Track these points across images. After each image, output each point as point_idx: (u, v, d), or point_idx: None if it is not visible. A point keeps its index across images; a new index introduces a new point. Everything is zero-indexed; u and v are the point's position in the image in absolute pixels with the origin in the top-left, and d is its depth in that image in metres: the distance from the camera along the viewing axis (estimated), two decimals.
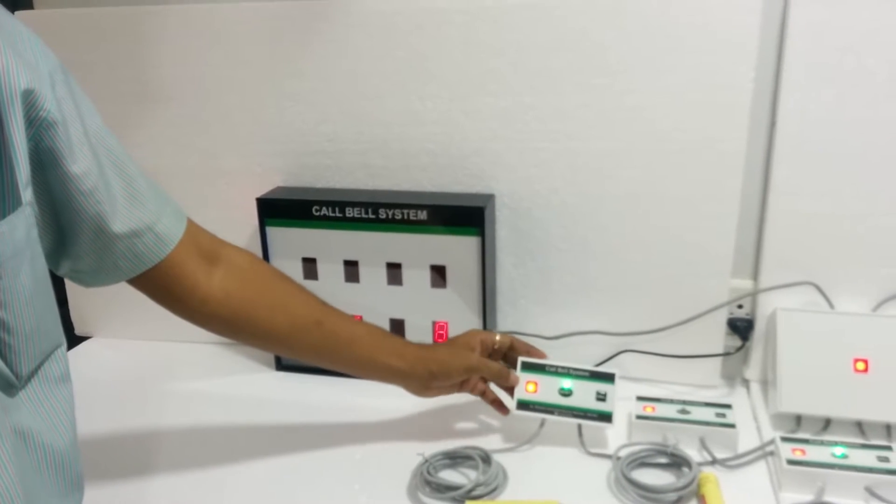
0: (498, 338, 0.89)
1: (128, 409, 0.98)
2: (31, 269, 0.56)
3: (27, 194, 0.55)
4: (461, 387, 0.87)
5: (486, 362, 0.86)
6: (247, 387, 1.03)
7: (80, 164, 0.60)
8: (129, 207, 0.66)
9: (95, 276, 0.69)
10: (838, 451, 0.78)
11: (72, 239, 0.64)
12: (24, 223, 0.55)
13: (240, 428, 0.93)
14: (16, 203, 0.54)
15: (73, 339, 1.17)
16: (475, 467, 0.80)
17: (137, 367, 1.10)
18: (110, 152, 0.65)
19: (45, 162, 0.58)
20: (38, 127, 0.56)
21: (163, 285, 0.71)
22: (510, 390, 0.88)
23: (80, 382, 1.01)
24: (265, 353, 1.08)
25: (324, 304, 0.81)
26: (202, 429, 0.93)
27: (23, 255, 0.55)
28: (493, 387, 0.89)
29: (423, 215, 0.95)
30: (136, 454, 0.88)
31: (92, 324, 1.18)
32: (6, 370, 0.55)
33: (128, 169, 0.67)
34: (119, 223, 0.65)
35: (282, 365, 1.06)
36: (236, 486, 0.82)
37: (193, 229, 0.74)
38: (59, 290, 1.14)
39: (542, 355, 0.90)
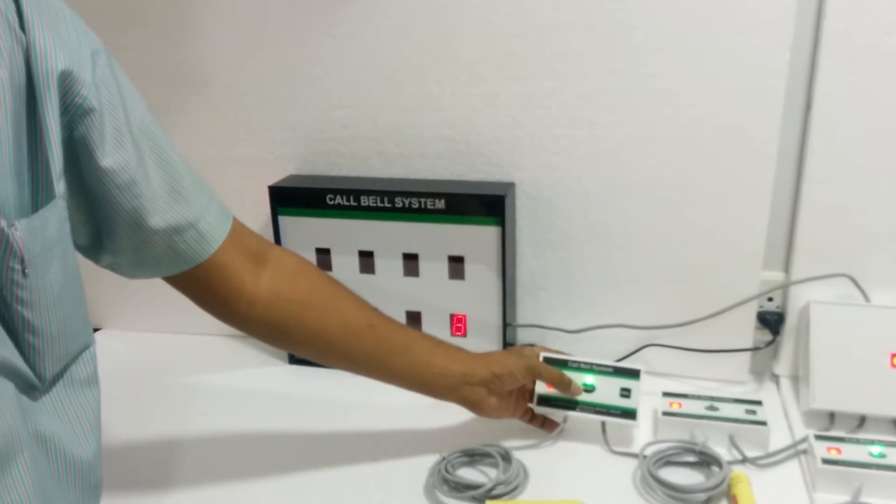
0: (542, 355, 0.86)
1: (137, 402, 0.96)
2: (62, 267, 0.53)
3: (60, 186, 0.53)
4: (515, 407, 0.83)
5: (547, 366, 0.82)
6: (259, 380, 1.00)
7: (115, 155, 0.57)
8: (170, 203, 0.63)
9: (136, 270, 0.66)
10: (875, 449, 0.75)
11: (109, 233, 0.61)
12: (57, 217, 0.52)
13: (252, 423, 0.90)
14: (49, 196, 0.52)
15: None
16: (495, 465, 0.77)
17: (147, 360, 1.08)
18: (154, 143, 0.62)
19: (80, 152, 0.56)
20: (73, 114, 0.54)
21: (208, 286, 0.68)
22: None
23: None
24: None
25: (375, 308, 0.77)
26: (212, 424, 0.90)
27: (53, 251, 0.52)
28: None
29: (440, 204, 0.92)
30: (146, 449, 0.86)
31: (101, 315, 1.16)
32: (28, 372, 0.52)
33: (172, 163, 0.63)
34: (158, 218, 0.62)
35: (295, 358, 1.04)
36: (248, 482, 0.79)
37: (239, 228, 0.70)
38: None
39: (578, 392, 0.83)
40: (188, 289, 0.69)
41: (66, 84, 0.52)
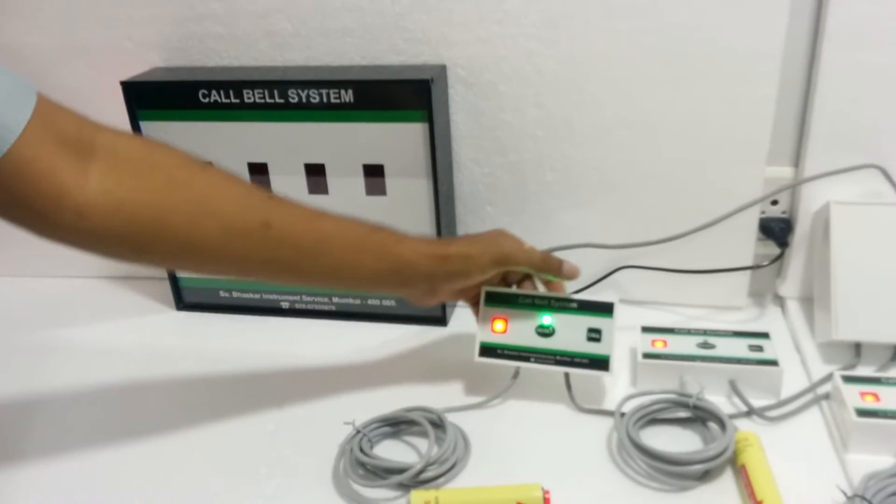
0: (526, 246, 0.65)
1: None
2: None
3: None
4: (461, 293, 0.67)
5: (525, 249, 0.64)
6: (141, 332, 0.82)
7: None
8: None
9: None
10: None
11: None
12: None
13: (125, 382, 0.73)
14: None
15: None
16: (424, 434, 0.58)
17: (10, 309, 0.88)
18: None
19: None
20: None
21: (11, 197, 0.48)
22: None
23: None
24: (163, 290, 0.85)
25: (270, 196, 0.59)
26: (76, 382, 0.73)
27: None
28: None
29: (348, 97, 0.70)
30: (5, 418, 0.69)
31: None
32: None
33: None
34: None
35: (183, 304, 0.84)
36: (117, 461, 0.62)
37: (49, 112, 0.49)
38: None
39: (574, 274, 0.66)
40: None
41: None
